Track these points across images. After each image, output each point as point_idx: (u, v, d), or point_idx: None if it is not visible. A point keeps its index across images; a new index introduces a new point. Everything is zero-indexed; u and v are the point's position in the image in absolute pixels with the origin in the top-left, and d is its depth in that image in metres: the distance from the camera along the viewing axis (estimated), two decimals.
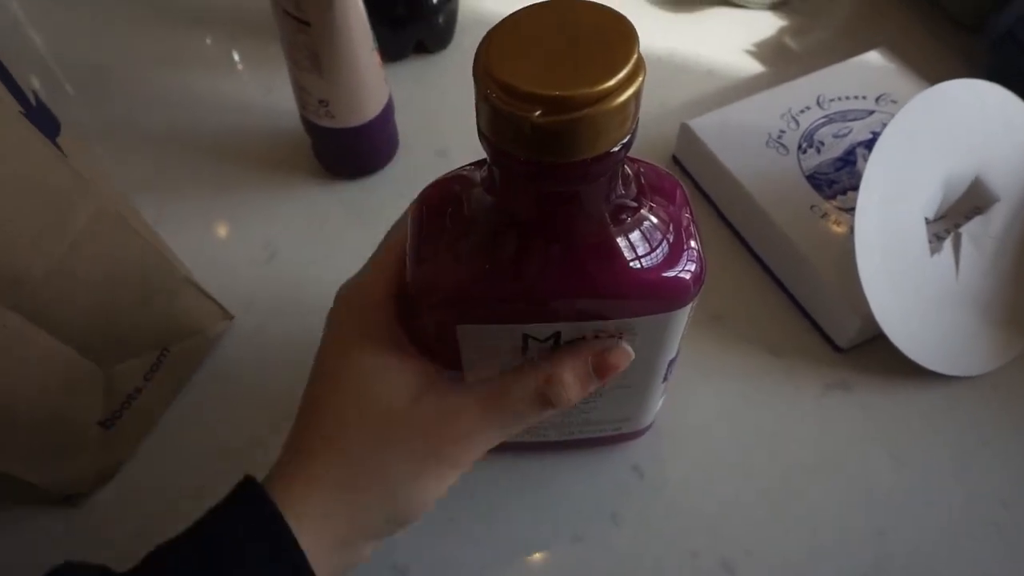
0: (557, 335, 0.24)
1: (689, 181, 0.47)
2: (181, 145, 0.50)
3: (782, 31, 0.55)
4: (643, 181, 0.23)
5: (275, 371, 0.41)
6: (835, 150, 0.43)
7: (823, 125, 0.44)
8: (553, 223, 0.22)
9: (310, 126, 0.44)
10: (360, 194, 0.47)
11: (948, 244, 0.37)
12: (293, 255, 0.45)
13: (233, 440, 0.38)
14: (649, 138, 0.49)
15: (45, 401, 0.31)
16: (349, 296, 0.28)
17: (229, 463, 0.37)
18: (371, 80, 0.41)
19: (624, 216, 0.22)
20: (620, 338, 0.25)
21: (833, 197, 0.41)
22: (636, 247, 0.23)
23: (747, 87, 0.52)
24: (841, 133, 0.44)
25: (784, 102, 0.45)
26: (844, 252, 0.37)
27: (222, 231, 0.46)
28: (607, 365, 0.25)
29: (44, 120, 0.29)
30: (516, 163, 0.19)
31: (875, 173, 0.36)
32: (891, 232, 0.36)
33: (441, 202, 0.24)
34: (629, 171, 0.23)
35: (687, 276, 0.23)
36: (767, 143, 0.44)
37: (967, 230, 0.37)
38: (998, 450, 0.35)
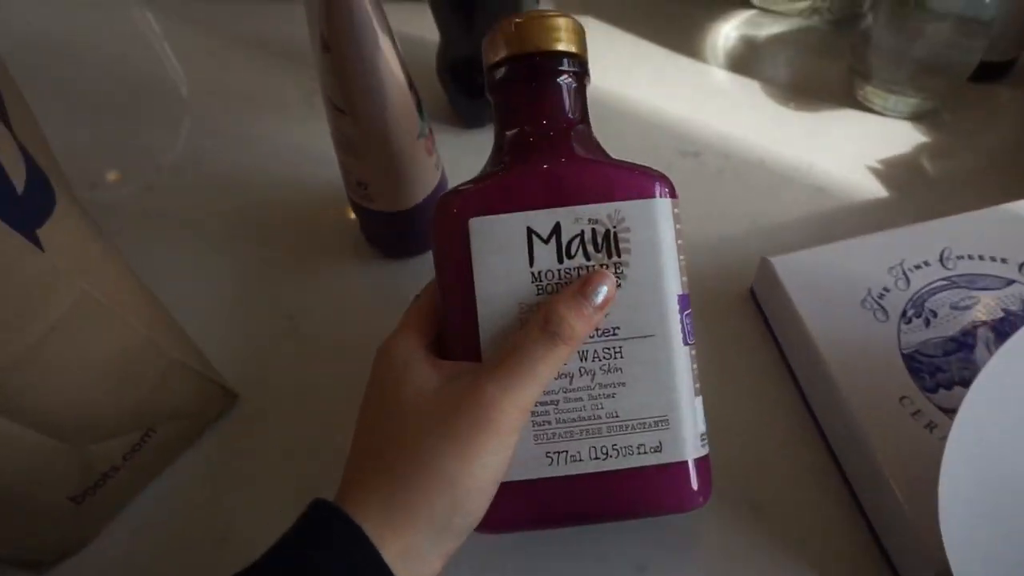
0: (558, 229, 0.28)
1: (763, 323, 0.40)
2: (233, 185, 0.49)
3: (919, 149, 0.47)
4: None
5: (268, 459, 0.38)
6: (950, 326, 0.35)
7: (942, 290, 0.36)
8: (537, 132, 0.30)
9: (352, 203, 0.41)
10: (401, 276, 0.44)
11: None
12: (316, 331, 0.43)
13: (205, 530, 0.36)
14: (727, 262, 0.42)
15: (6, 481, 0.30)
16: (385, 348, 0.29)
17: (196, 553, 0.36)
18: (413, 169, 0.38)
19: (597, 148, 0.31)
20: (614, 238, 0.28)
21: (934, 390, 0.33)
22: (608, 158, 0.30)
23: (860, 214, 0.44)
24: (963, 304, 0.35)
25: (897, 251, 0.37)
26: (929, 470, 0.29)
27: (248, 292, 0.44)
28: (590, 285, 0.27)
29: (32, 204, 0.28)
30: (503, 64, 0.30)
31: (990, 383, 0.28)
32: (998, 468, 0.28)
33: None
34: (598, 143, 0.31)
35: (656, 174, 0.29)
36: (863, 302, 0.36)
37: None
38: None
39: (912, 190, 0.45)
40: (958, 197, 0.43)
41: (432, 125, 0.42)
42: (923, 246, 0.37)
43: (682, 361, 0.28)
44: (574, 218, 0.28)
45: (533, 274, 0.28)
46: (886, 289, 0.36)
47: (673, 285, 0.28)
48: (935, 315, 0.35)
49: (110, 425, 0.33)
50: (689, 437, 0.28)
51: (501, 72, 0.30)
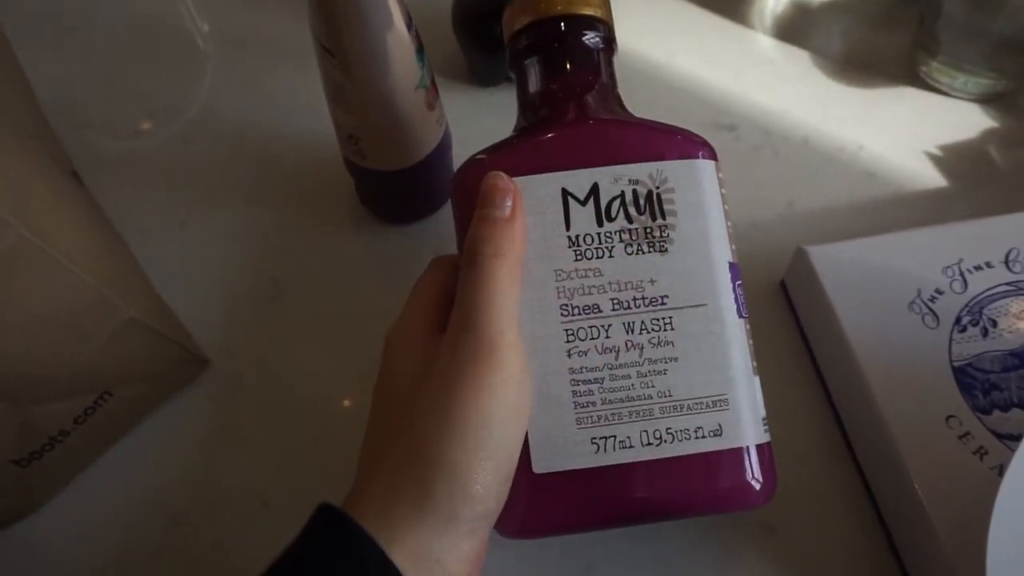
0: (596, 190, 0.26)
1: (793, 321, 0.35)
2: (232, 138, 0.45)
3: (987, 136, 0.41)
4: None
5: (235, 435, 0.35)
6: (1012, 339, 0.30)
7: (1005, 296, 0.31)
8: (568, 96, 0.28)
9: (345, 160, 0.38)
10: (395, 243, 0.40)
11: None
12: (301, 299, 0.39)
13: (158, 506, 0.33)
14: (758, 249, 0.37)
15: None
16: (388, 335, 0.26)
17: (144, 530, 0.33)
18: (409, 123, 0.34)
19: (629, 114, 0.29)
20: (658, 199, 0.26)
21: (988, 411, 0.29)
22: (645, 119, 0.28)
23: (914, 205, 0.39)
24: None
25: (955, 248, 0.33)
26: (977, 506, 0.25)
27: (234, 253, 0.41)
28: (486, 198, 0.25)
29: None
30: (527, 30, 0.29)
31: None
32: None
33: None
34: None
35: (696, 137, 0.27)
36: (912, 304, 0.31)
37: None
38: None
39: (976, 181, 0.39)
40: None
41: (442, 80, 0.38)
42: (986, 245, 0.33)
43: (737, 334, 0.25)
44: (613, 178, 0.26)
45: (570, 238, 0.26)
46: (939, 291, 0.32)
47: (723, 251, 0.26)
48: (995, 325, 0.31)
49: (56, 386, 0.30)
50: (749, 420, 0.25)
51: (525, 40, 0.29)
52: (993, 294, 0.31)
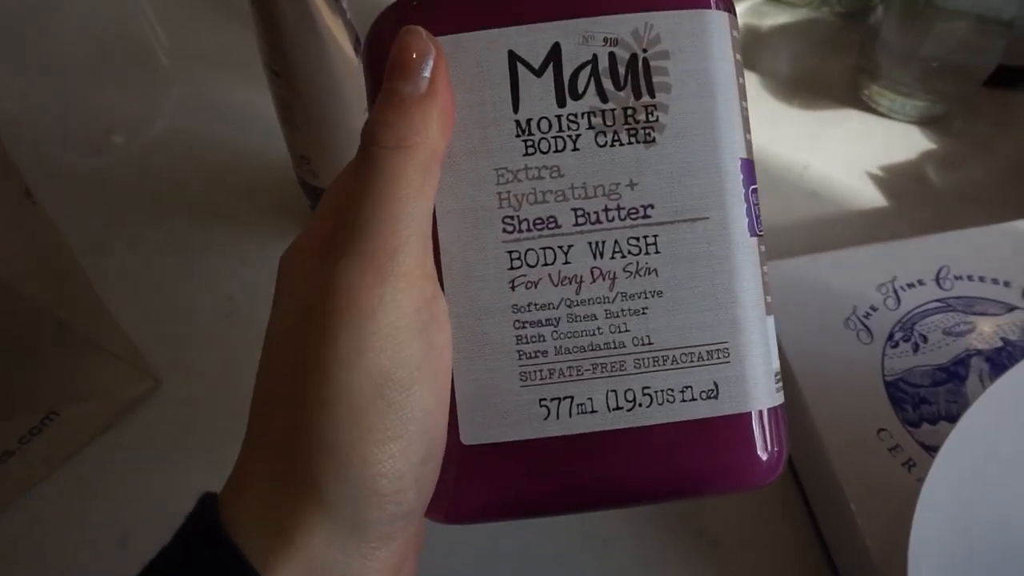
0: (557, 53, 0.19)
1: None
2: (188, 154, 0.45)
3: (925, 157, 0.43)
4: None
5: (186, 457, 0.35)
6: (941, 354, 0.31)
7: (935, 312, 0.32)
8: None
9: (298, 179, 0.38)
10: None
11: None
12: (255, 317, 0.39)
13: (105, 530, 0.33)
14: None
15: None
16: (288, 254, 0.20)
17: (90, 554, 0.33)
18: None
19: None
20: (645, 67, 0.19)
21: (917, 424, 0.30)
22: None
23: (854, 224, 0.40)
24: (958, 330, 0.32)
25: (889, 266, 0.34)
26: (903, 516, 0.26)
27: (189, 269, 0.41)
28: (402, 55, 0.18)
29: None
30: None
31: (979, 421, 0.25)
32: (978, 524, 0.24)
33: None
34: None
35: None
36: (847, 321, 0.32)
37: None
38: None
39: (913, 201, 0.41)
40: (963, 212, 0.39)
41: None
42: (919, 263, 0.34)
43: (747, 259, 0.19)
44: (582, 36, 0.19)
45: (519, 124, 0.19)
46: (873, 308, 0.33)
47: (735, 142, 0.19)
48: (925, 340, 0.32)
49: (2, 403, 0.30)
50: (759, 376, 0.19)
51: None
52: (924, 310, 0.32)
